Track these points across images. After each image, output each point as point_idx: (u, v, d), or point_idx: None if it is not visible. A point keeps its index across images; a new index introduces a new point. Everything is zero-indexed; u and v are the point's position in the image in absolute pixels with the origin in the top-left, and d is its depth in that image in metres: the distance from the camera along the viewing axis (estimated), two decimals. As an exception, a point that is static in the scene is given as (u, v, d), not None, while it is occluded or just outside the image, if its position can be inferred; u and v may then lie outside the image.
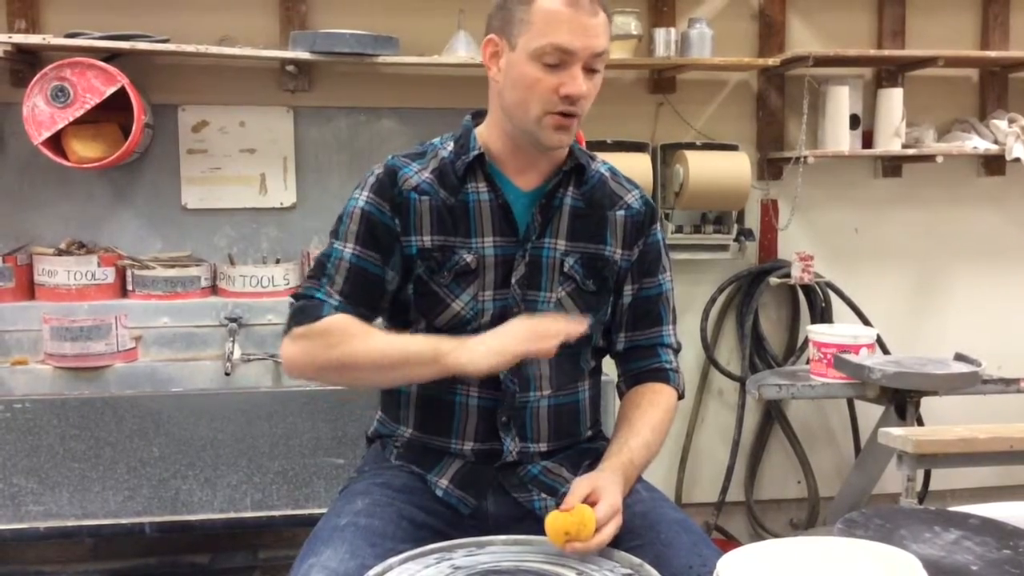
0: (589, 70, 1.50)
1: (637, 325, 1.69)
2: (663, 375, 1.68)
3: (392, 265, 1.58)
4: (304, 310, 1.55)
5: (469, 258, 1.57)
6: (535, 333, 1.40)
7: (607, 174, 1.69)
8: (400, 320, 1.65)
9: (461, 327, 1.57)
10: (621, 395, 1.71)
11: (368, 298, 1.58)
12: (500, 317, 1.57)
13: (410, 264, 1.58)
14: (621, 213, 1.66)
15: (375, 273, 1.57)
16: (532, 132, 1.53)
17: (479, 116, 1.65)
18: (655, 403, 1.63)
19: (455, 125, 1.69)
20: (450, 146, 1.63)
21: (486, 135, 1.62)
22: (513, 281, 1.58)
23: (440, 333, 1.58)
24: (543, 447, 1.63)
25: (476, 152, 1.59)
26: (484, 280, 1.58)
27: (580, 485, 1.42)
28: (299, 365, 1.56)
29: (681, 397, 1.71)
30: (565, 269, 1.61)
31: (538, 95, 1.49)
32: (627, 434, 1.57)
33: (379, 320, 1.66)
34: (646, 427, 1.58)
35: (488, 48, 1.55)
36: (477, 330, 1.56)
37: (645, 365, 1.69)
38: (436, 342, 1.46)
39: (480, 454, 1.60)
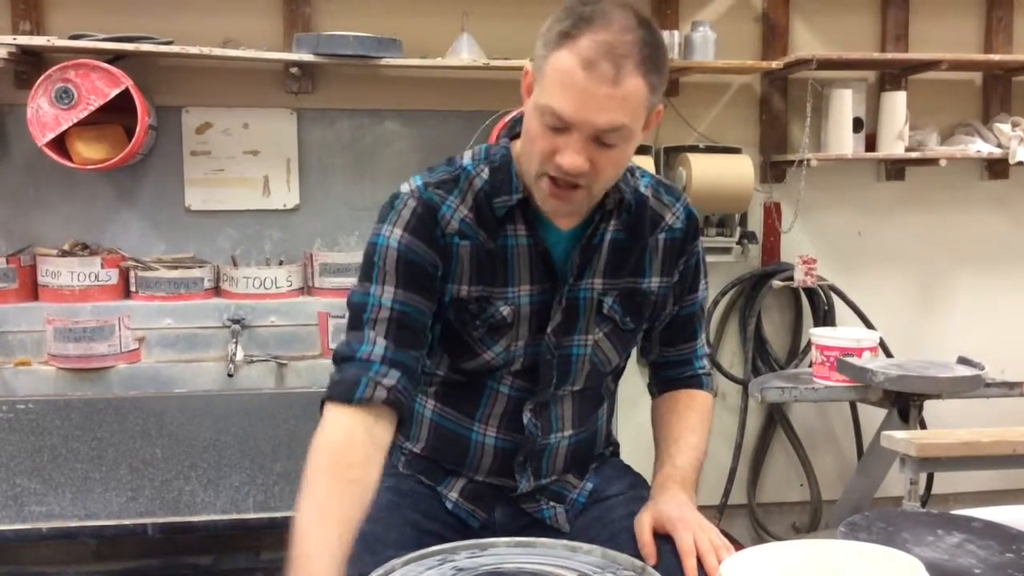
0: (600, 143, 1.30)
1: (673, 341, 1.64)
2: (696, 381, 1.65)
3: (432, 309, 1.45)
4: (340, 383, 1.37)
5: (506, 311, 1.46)
6: None
7: (648, 192, 1.53)
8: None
9: (489, 372, 1.52)
10: (652, 396, 1.69)
11: (413, 344, 1.41)
12: (532, 364, 1.51)
13: (441, 309, 1.47)
14: (663, 236, 1.54)
15: (419, 320, 1.42)
16: (532, 187, 1.40)
17: (517, 126, 1.45)
18: (691, 407, 1.61)
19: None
20: (484, 172, 1.45)
21: (523, 166, 1.42)
22: (548, 330, 1.49)
23: (467, 375, 1.53)
24: (555, 477, 1.60)
25: (520, 196, 1.43)
26: (518, 331, 1.49)
27: (642, 523, 1.41)
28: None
29: (714, 396, 1.69)
30: (604, 310, 1.51)
31: (536, 152, 1.33)
32: (671, 448, 1.55)
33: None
34: (686, 431, 1.56)
35: (526, 78, 1.37)
36: (504, 377, 1.52)
37: (678, 374, 1.66)
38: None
39: (492, 484, 1.58)
